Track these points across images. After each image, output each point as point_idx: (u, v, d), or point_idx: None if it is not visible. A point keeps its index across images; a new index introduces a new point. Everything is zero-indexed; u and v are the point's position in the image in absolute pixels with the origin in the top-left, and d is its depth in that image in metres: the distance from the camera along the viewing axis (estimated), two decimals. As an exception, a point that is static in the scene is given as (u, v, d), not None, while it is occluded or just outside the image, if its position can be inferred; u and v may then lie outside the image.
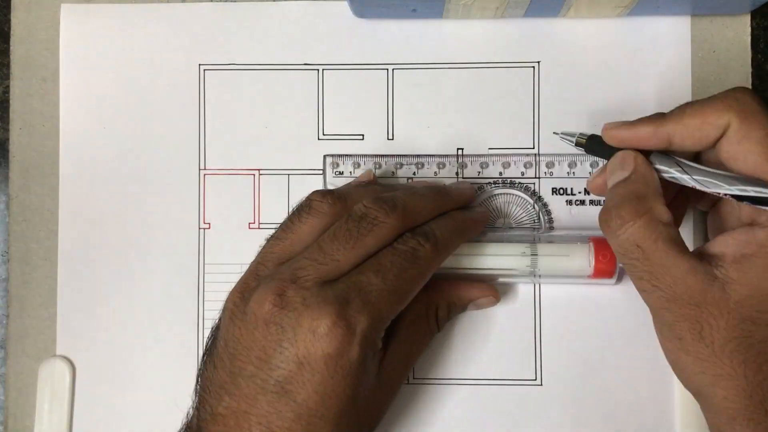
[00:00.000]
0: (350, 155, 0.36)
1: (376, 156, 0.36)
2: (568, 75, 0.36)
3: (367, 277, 0.29)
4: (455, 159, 0.36)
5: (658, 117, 0.29)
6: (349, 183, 0.35)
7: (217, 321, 0.31)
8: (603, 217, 0.29)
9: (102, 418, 0.36)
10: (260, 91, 0.37)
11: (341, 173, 0.36)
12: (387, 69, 0.37)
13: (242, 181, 0.37)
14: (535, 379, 0.36)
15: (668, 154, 0.30)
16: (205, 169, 0.37)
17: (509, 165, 0.36)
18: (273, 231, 0.32)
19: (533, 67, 0.37)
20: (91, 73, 0.37)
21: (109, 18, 0.37)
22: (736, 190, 0.27)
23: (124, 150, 0.37)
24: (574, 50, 0.37)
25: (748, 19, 0.36)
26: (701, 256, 0.28)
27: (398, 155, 0.36)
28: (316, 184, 0.37)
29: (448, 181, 0.36)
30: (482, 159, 0.36)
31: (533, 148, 0.36)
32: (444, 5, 0.34)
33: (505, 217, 0.36)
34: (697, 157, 0.31)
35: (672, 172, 0.29)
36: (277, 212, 0.37)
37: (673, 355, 0.29)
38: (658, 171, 0.29)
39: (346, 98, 0.37)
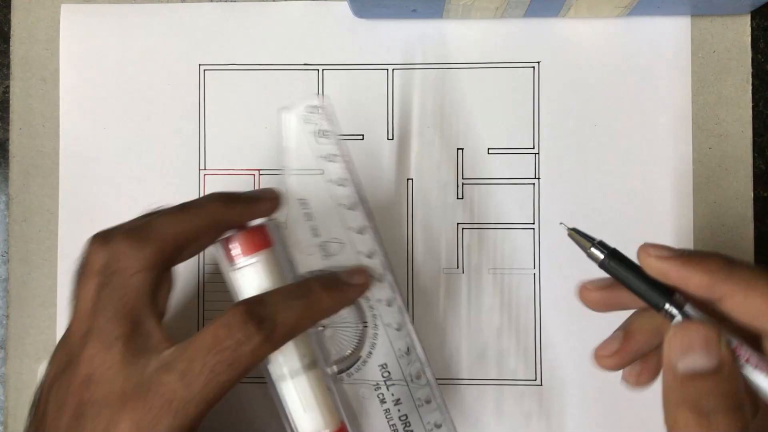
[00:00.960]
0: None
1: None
2: (568, 75, 0.36)
3: (169, 380, 0.24)
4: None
5: (724, 267, 0.23)
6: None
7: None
8: (674, 420, 0.22)
9: (102, 418, 0.36)
10: (260, 91, 0.37)
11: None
12: (387, 69, 0.37)
13: (242, 181, 0.37)
14: (535, 379, 0.36)
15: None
16: (205, 169, 0.37)
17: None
18: None
19: (533, 67, 0.37)
20: (91, 73, 0.37)
21: (109, 18, 0.37)
22: None
23: (124, 150, 0.37)
24: (574, 50, 0.37)
25: (748, 19, 0.36)
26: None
27: None
28: (316, 184, 0.37)
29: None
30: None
31: (533, 148, 0.36)
32: (444, 5, 0.34)
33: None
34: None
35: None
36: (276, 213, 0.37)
37: None
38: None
39: (346, 98, 0.37)
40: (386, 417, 0.31)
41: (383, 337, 0.32)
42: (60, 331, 0.37)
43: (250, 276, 0.28)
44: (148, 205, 0.37)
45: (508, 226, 0.36)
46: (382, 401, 0.31)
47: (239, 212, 0.28)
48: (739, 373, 0.22)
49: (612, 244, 0.36)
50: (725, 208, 0.36)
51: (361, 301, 0.31)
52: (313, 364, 0.28)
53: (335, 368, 0.31)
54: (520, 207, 0.36)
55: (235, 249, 0.28)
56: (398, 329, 0.31)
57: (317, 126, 0.31)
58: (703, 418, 0.21)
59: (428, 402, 0.31)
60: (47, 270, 0.37)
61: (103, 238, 0.27)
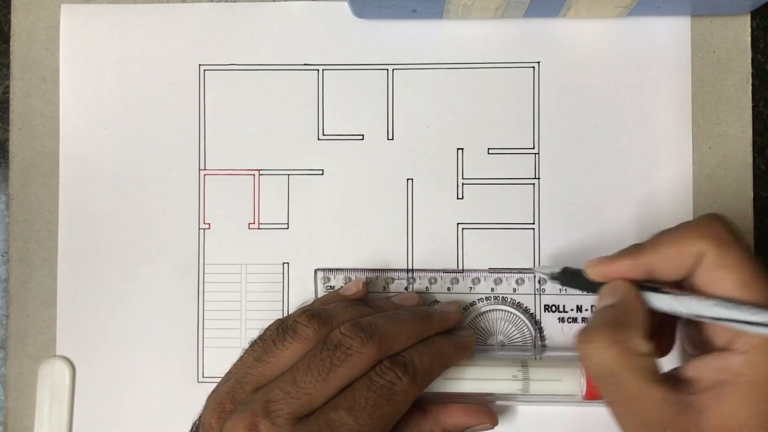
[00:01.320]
0: (341, 269, 0.36)
1: (367, 270, 0.36)
2: (568, 75, 0.36)
3: (339, 416, 0.28)
4: (448, 275, 0.36)
5: (636, 249, 0.29)
6: (337, 294, 0.35)
7: (198, 418, 0.32)
8: (581, 338, 0.28)
9: (102, 418, 0.36)
10: (260, 91, 0.37)
11: (332, 287, 0.36)
12: (387, 69, 0.37)
13: (242, 181, 0.37)
14: (535, 380, 0.36)
15: (653, 282, 0.29)
16: (205, 169, 0.37)
17: (501, 281, 0.36)
18: (255, 340, 0.32)
19: (533, 67, 0.37)
20: (91, 73, 0.37)
21: (109, 18, 0.37)
22: (714, 313, 0.26)
23: (124, 150, 0.37)
24: (574, 50, 0.37)
25: (748, 19, 0.36)
26: (675, 380, 0.27)
27: (390, 269, 0.36)
28: (317, 184, 0.37)
29: (439, 296, 0.36)
30: (474, 275, 0.36)
31: (533, 148, 0.36)
32: (444, 5, 0.34)
33: (497, 334, 0.36)
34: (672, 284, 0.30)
35: (653, 295, 0.29)
36: (277, 212, 0.37)
37: None
38: (646, 300, 0.29)
39: (346, 98, 0.37)
40: None
41: None
42: (59, 330, 0.36)
43: None
44: (148, 206, 0.37)
45: (508, 226, 0.36)
46: None
47: (434, 329, 0.33)
48: (636, 309, 0.28)
49: (612, 243, 0.36)
50: (725, 208, 0.36)
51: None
52: None
53: None
54: (520, 207, 0.36)
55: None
56: None
57: None
58: (594, 332, 0.28)
59: None
60: (47, 270, 0.37)
61: (322, 318, 0.31)
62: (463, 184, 0.36)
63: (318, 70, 0.37)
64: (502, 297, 0.36)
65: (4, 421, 0.36)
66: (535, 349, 0.36)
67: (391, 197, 0.36)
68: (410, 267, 0.36)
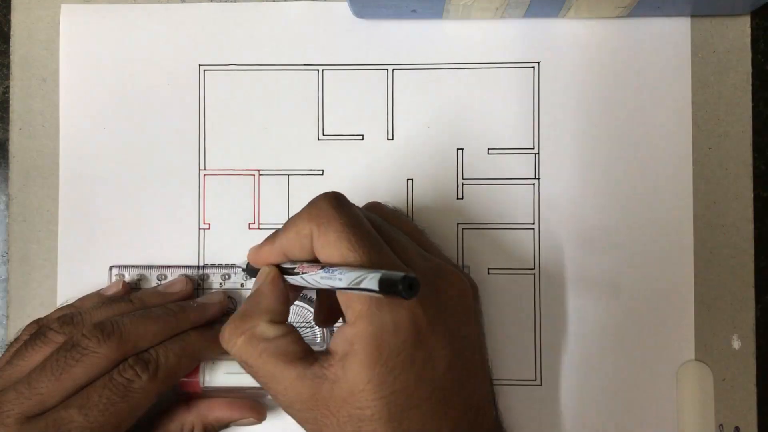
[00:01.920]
0: (136, 266, 0.36)
1: (163, 267, 0.37)
2: (568, 75, 0.36)
3: (69, 413, 0.29)
4: (237, 271, 0.36)
5: (272, 235, 0.30)
6: (98, 294, 0.35)
7: None
8: (221, 336, 0.29)
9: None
10: (260, 91, 0.37)
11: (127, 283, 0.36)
12: (387, 69, 0.37)
13: (242, 181, 0.37)
14: (535, 379, 0.36)
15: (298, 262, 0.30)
16: (205, 169, 0.37)
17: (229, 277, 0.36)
18: (11, 342, 0.33)
19: (533, 67, 0.37)
20: (91, 73, 0.37)
21: (109, 18, 0.37)
22: (317, 277, 0.27)
23: (124, 150, 0.37)
24: (574, 50, 0.37)
25: (748, 19, 0.36)
26: (319, 355, 0.28)
27: (184, 266, 0.36)
28: (317, 184, 0.37)
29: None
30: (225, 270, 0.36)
31: (533, 148, 0.36)
32: (444, 6, 0.34)
33: None
34: None
35: (291, 278, 0.29)
36: (277, 212, 0.37)
37: None
38: (287, 278, 0.30)
39: (346, 98, 0.37)
40: None
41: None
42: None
43: None
44: (148, 205, 0.37)
45: (508, 226, 0.36)
46: None
47: (192, 321, 0.34)
48: (266, 294, 0.29)
49: (612, 243, 0.36)
50: (725, 208, 0.36)
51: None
52: None
53: None
54: (520, 207, 0.36)
55: None
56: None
57: None
58: (225, 327, 0.29)
59: None
60: (47, 270, 0.37)
61: (74, 322, 0.32)
62: (463, 184, 0.36)
63: (318, 70, 0.37)
64: None
65: (4, 421, 0.36)
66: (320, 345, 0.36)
67: (391, 197, 0.36)
68: (203, 263, 0.37)
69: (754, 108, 0.36)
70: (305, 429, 0.28)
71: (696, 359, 0.36)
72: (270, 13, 0.37)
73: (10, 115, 0.37)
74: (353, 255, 0.27)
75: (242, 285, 0.36)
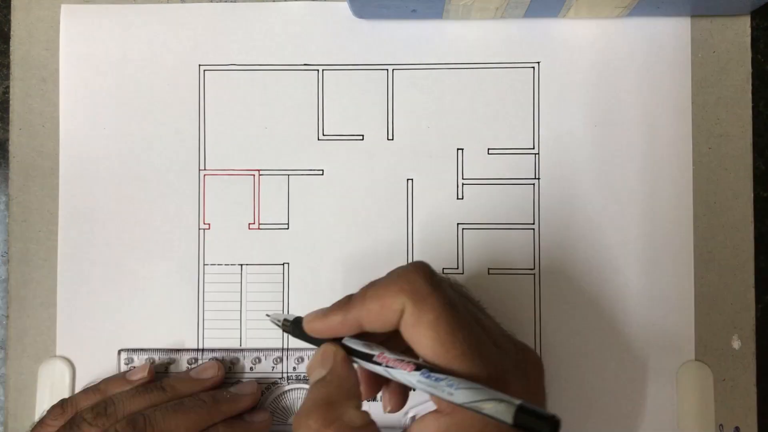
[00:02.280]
0: (145, 349, 0.36)
1: (173, 350, 0.36)
2: (568, 75, 0.36)
3: None
4: (250, 353, 0.36)
5: (345, 304, 0.28)
6: (124, 378, 0.35)
7: None
8: (296, 422, 0.27)
9: (102, 419, 0.36)
10: (260, 91, 0.37)
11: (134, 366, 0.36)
12: (387, 69, 0.37)
13: (242, 181, 0.37)
14: (535, 380, 0.36)
15: (365, 341, 0.28)
16: (205, 169, 0.37)
17: (303, 360, 0.36)
18: (35, 424, 0.33)
19: (533, 67, 0.37)
20: (91, 73, 0.37)
21: (109, 18, 0.37)
22: (419, 385, 0.26)
23: (124, 150, 0.37)
24: (574, 50, 0.37)
25: (748, 19, 0.36)
26: None
27: (186, 349, 0.36)
28: (317, 184, 0.37)
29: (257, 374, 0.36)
30: (276, 354, 0.36)
31: (533, 148, 0.36)
32: (444, 6, 0.34)
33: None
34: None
35: (366, 364, 0.28)
36: (277, 212, 0.37)
37: None
38: (358, 362, 0.28)
39: (346, 98, 0.37)
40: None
41: None
42: (59, 331, 0.36)
43: None
44: (148, 205, 0.37)
45: (508, 226, 0.36)
46: None
47: (225, 413, 0.33)
48: (347, 379, 0.27)
49: (612, 243, 0.36)
50: (725, 208, 0.36)
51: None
52: None
53: None
54: (520, 207, 0.36)
55: None
56: None
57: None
58: (306, 417, 0.26)
59: None
60: (47, 270, 0.37)
61: (107, 414, 0.32)
62: (463, 184, 0.36)
63: (318, 70, 0.37)
64: (305, 376, 0.36)
65: (4, 421, 0.36)
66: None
67: (391, 197, 0.36)
68: (200, 347, 0.37)
69: (754, 108, 0.36)
70: None
71: (696, 359, 0.36)
72: (270, 13, 0.37)
73: (10, 115, 0.37)
74: (452, 341, 0.25)
75: (273, 368, 0.36)
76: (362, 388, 0.29)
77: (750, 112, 0.36)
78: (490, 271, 0.36)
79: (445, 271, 0.36)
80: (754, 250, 0.36)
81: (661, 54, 0.36)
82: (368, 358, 0.27)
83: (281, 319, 0.31)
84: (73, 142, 0.37)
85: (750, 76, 0.36)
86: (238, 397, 0.34)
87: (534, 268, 0.36)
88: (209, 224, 0.37)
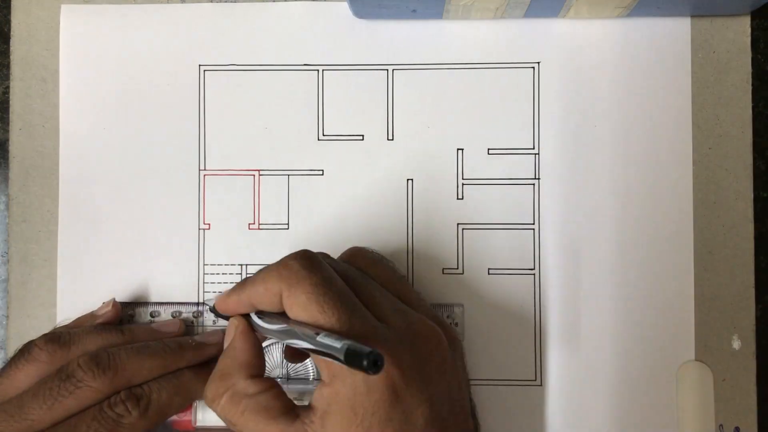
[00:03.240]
0: (142, 303, 0.36)
1: (163, 303, 0.36)
2: (568, 75, 0.36)
3: None
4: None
5: (239, 286, 0.30)
6: (91, 315, 0.35)
7: None
8: (204, 395, 0.30)
9: (102, 419, 0.36)
10: (260, 91, 0.37)
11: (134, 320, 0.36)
12: (387, 69, 0.37)
13: (242, 181, 0.37)
14: (535, 379, 0.36)
15: (269, 313, 0.30)
16: (205, 169, 0.37)
17: None
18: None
19: (533, 67, 0.37)
20: (91, 73, 0.37)
21: (109, 18, 0.37)
22: (295, 342, 0.27)
23: (124, 150, 0.37)
24: (574, 51, 0.37)
25: (748, 19, 0.36)
26: (301, 411, 0.28)
27: (182, 303, 0.36)
28: (317, 184, 0.37)
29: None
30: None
31: (533, 148, 0.36)
32: (444, 6, 0.34)
33: (281, 367, 0.36)
34: None
35: (263, 330, 0.29)
36: (277, 212, 0.37)
37: None
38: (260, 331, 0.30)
39: (346, 99, 0.37)
40: None
41: None
42: (60, 331, 0.37)
43: None
44: (148, 206, 0.37)
45: (508, 226, 0.36)
46: None
47: (188, 360, 0.33)
48: (242, 350, 0.30)
49: (612, 243, 0.36)
50: (725, 208, 0.36)
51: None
52: None
53: None
54: (520, 207, 0.36)
55: None
56: None
57: None
58: (207, 387, 0.29)
59: None
60: (47, 270, 0.37)
61: (61, 341, 0.32)
62: (463, 184, 0.36)
63: (318, 70, 0.37)
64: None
65: (4, 422, 0.36)
66: (316, 383, 0.35)
67: (391, 197, 0.36)
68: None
69: (754, 108, 0.36)
70: None
71: (696, 359, 0.36)
72: (270, 13, 0.37)
73: (10, 115, 0.37)
74: (323, 318, 0.27)
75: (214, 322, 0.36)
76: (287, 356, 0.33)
77: (750, 112, 0.36)
78: (490, 271, 0.36)
79: (445, 271, 0.36)
80: (754, 250, 0.36)
81: (661, 54, 0.36)
82: (261, 317, 0.30)
83: (210, 305, 0.33)
84: (73, 142, 0.37)
85: (750, 76, 0.36)
86: (203, 345, 0.34)
87: (534, 268, 0.36)
88: (209, 224, 0.37)
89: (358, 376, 0.26)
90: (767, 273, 0.36)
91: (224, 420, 0.29)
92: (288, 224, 0.37)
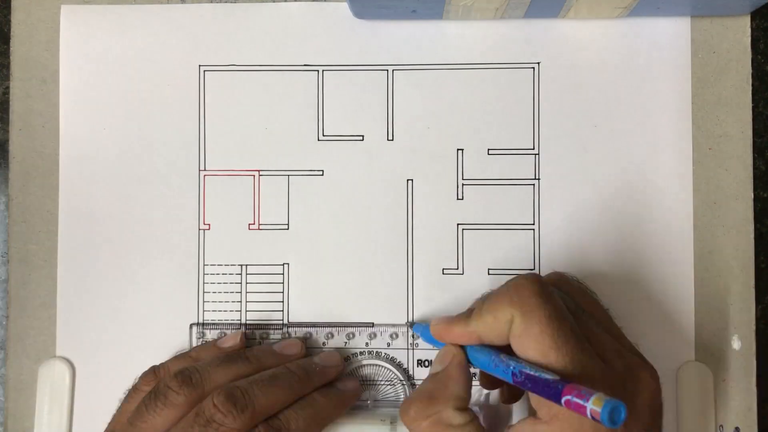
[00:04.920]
0: (217, 323, 0.36)
1: (244, 325, 0.36)
2: (568, 76, 0.37)
3: None
4: (323, 329, 0.36)
5: (465, 316, 0.30)
6: (214, 346, 0.35)
7: None
8: (401, 408, 0.30)
9: (102, 419, 0.36)
10: (260, 92, 0.37)
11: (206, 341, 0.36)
12: (387, 70, 0.37)
13: (242, 181, 0.37)
14: (535, 380, 0.36)
15: (488, 348, 0.30)
16: (205, 169, 0.37)
17: (375, 336, 0.36)
18: (129, 390, 0.33)
19: (533, 68, 0.37)
20: (91, 73, 0.37)
21: (109, 18, 0.37)
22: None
23: (124, 151, 0.37)
24: (574, 51, 0.37)
25: (747, 20, 0.36)
26: None
27: (266, 325, 0.36)
28: (317, 184, 0.37)
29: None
30: (349, 330, 0.36)
31: (533, 149, 0.36)
32: (444, 6, 0.34)
33: (370, 389, 0.36)
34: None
35: (494, 372, 0.29)
36: (277, 213, 0.37)
37: None
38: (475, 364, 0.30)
39: (346, 99, 0.37)
40: None
41: None
42: (59, 331, 0.36)
43: None
44: (148, 206, 0.37)
45: (508, 226, 0.36)
46: None
47: (314, 385, 0.33)
48: (457, 380, 0.29)
49: (612, 244, 0.36)
50: (725, 209, 0.36)
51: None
52: None
53: None
54: (520, 207, 0.36)
55: None
56: None
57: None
58: (411, 405, 0.29)
59: None
60: (47, 271, 0.37)
61: (193, 382, 0.32)
62: (463, 184, 0.36)
63: (318, 70, 0.37)
64: (377, 352, 0.36)
65: (4, 422, 0.36)
66: None
67: (391, 198, 0.36)
68: (288, 321, 0.36)
69: (754, 108, 0.36)
70: None
71: (696, 359, 0.36)
72: (270, 13, 0.37)
73: (10, 115, 0.37)
74: (555, 355, 0.26)
75: (345, 344, 0.36)
76: (484, 383, 0.33)
77: (750, 112, 0.36)
78: (490, 272, 0.36)
79: (445, 271, 0.36)
80: (754, 250, 0.36)
81: (661, 54, 0.36)
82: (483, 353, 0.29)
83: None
84: (73, 142, 0.37)
85: (750, 76, 0.36)
86: (327, 370, 0.34)
87: (534, 268, 0.36)
88: (209, 224, 0.37)
89: (586, 422, 0.26)
90: (767, 273, 0.36)
91: None
92: (288, 224, 0.37)
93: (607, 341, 0.29)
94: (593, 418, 0.24)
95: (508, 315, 0.28)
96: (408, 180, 0.37)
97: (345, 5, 0.36)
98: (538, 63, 0.37)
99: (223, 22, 0.37)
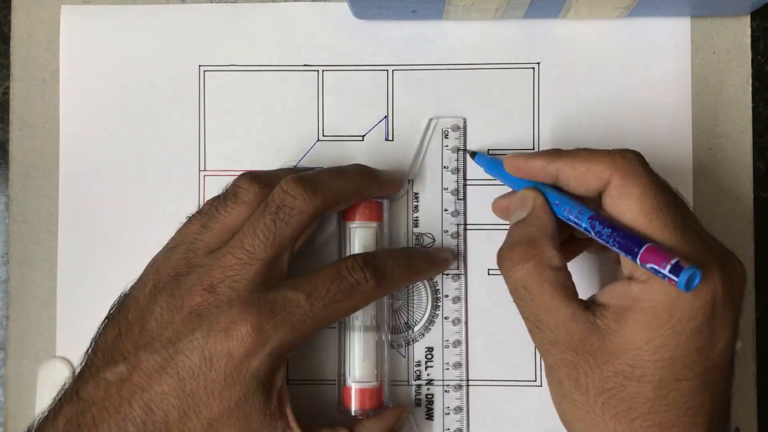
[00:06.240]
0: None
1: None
2: (568, 76, 0.37)
3: (297, 297, 0.29)
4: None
5: (554, 153, 0.30)
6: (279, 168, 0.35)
7: (129, 290, 0.32)
8: (499, 255, 0.30)
9: (102, 419, 0.36)
10: (260, 92, 0.37)
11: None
12: (387, 70, 0.37)
13: (242, 181, 0.37)
14: (535, 380, 0.36)
15: (568, 195, 0.30)
16: (205, 170, 0.37)
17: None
18: (194, 214, 0.32)
19: (533, 68, 0.37)
20: (91, 73, 0.37)
21: (109, 19, 0.37)
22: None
23: (124, 151, 0.37)
24: (574, 51, 0.37)
25: (748, 20, 0.36)
26: (589, 304, 0.28)
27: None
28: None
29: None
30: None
31: (533, 148, 0.36)
32: (444, 6, 0.34)
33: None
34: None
35: (569, 216, 0.29)
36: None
37: (555, 399, 0.30)
38: (556, 212, 0.30)
39: (345, 99, 0.37)
40: (415, 392, 0.36)
41: (439, 326, 0.36)
42: (59, 331, 0.36)
43: (364, 236, 0.34)
44: (148, 206, 0.37)
45: (508, 226, 0.36)
46: (417, 377, 0.36)
47: (377, 186, 0.34)
48: (547, 222, 0.29)
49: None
50: (725, 209, 0.36)
51: (433, 292, 0.36)
52: (378, 326, 0.34)
53: (389, 336, 0.36)
54: (520, 207, 0.36)
55: (361, 212, 0.34)
56: (455, 324, 0.36)
57: (455, 143, 0.36)
58: (509, 250, 0.29)
59: (456, 390, 0.36)
60: (47, 271, 0.37)
61: (263, 180, 0.31)
62: (463, 184, 0.36)
63: (318, 70, 0.37)
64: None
65: (4, 422, 0.36)
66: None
67: (391, 198, 0.36)
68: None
69: (754, 108, 0.36)
70: (556, 371, 0.28)
71: (696, 359, 0.36)
72: (270, 14, 0.37)
73: (10, 115, 0.37)
74: (658, 217, 0.26)
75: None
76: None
77: (750, 112, 0.36)
78: (490, 272, 0.36)
79: (445, 271, 0.36)
80: (754, 250, 0.36)
81: (661, 54, 0.36)
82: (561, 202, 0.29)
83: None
84: (73, 142, 0.37)
85: (750, 76, 0.36)
86: (390, 179, 0.35)
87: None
88: (209, 224, 0.37)
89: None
90: (767, 273, 0.36)
91: (516, 287, 0.29)
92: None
93: (703, 228, 0.29)
94: (669, 278, 0.24)
95: (606, 173, 0.27)
96: (408, 180, 0.37)
97: (345, 5, 0.36)
98: (538, 63, 0.37)
99: (223, 23, 0.37)
